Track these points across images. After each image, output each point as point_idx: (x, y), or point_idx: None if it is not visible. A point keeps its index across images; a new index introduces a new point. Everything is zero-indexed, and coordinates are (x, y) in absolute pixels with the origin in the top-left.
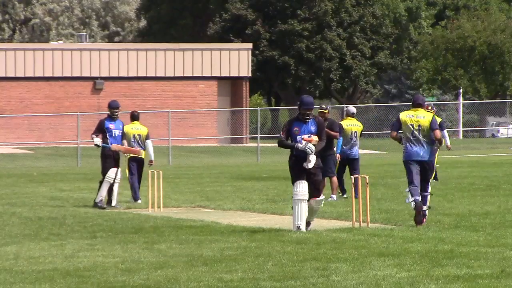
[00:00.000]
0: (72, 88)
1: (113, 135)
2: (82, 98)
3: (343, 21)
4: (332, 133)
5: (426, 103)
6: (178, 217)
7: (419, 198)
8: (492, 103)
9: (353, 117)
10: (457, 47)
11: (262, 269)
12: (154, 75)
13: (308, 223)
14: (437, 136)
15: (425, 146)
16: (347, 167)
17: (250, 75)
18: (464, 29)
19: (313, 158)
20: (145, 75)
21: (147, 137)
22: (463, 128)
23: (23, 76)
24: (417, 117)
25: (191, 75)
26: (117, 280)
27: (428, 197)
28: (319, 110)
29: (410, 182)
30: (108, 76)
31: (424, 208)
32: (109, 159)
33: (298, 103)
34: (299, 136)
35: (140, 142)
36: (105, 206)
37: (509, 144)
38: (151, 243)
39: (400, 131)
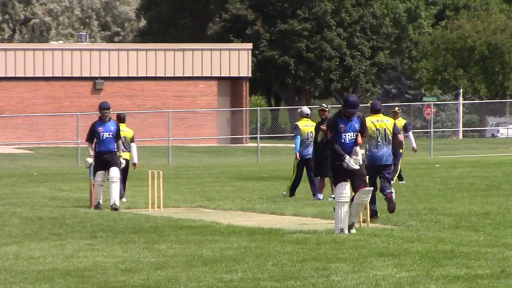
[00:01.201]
0: (72, 88)
1: (101, 137)
2: (82, 98)
3: (343, 21)
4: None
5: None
6: (178, 217)
7: (376, 207)
8: (492, 103)
9: (308, 117)
10: (457, 47)
11: (262, 269)
12: (154, 75)
13: (351, 226)
14: (399, 140)
15: (387, 150)
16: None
17: (250, 75)
18: (464, 29)
19: (359, 155)
20: (145, 75)
21: (132, 140)
22: (463, 128)
23: (23, 76)
24: (381, 122)
25: (191, 75)
26: (117, 280)
27: (393, 194)
28: (319, 109)
29: (371, 185)
30: (108, 76)
31: (375, 214)
32: (97, 161)
33: (342, 102)
34: (344, 134)
35: (125, 145)
36: (102, 205)
37: (509, 144)
38: (151, 243)
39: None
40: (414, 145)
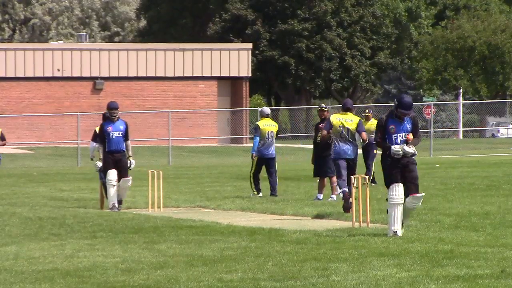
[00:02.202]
0: (72, 88)
1: (111, 137)
2: (82, 98)
3: (343, 21)
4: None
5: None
6: (178, 217)
7: (346, 189)
8: (492, 103)
9: (268, 117)
10: (457, 47)
11: (262, 269)
12: (154, 75)
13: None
14: (363, 137)
15: (352, 146)
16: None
17: (250, 75)
18: (464, 29)
19: (408, 149)
20: (145, 75)
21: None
22: (463, 128)
23: (23, 76)
24: (346, 120)
25: (191, 75)
26: (117, 280)
27: (354, 190)
28: (318, 109)
29: (339, 176)
30: (108, 76)
31: (350, 201)
32: (107, 160)
33: (396, 102)
34: (395, 135)
35: None
36: (118, 208)
37: (509, 144)
38: (151, 243)
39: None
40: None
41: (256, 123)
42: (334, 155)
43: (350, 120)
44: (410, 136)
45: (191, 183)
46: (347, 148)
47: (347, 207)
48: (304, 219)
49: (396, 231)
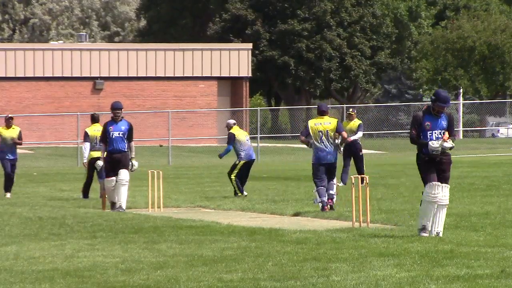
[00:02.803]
0: (72, 88)
1: (111, 136)
2: (82, 98)
3: (343, 21)
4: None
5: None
6: (178, 217)
7: (325, 199)
8: (492, 103)
9: (235, 124)
10: (457, 47)
11: (262, 269)
12: (154, 75)
13: (423, 228)
14: (344, 136)
15: (332, 150)
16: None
17: (250, 75)
18: (464, 29)
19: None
20: (145, 75)
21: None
22: (463, 128)
23: (23, 76)
24: (324, 124)
25: (191, 75)
26: (117, 280)
27: (335, 198)
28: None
29: (318, 184)
30: (108, 76)
31: (331, 199)
32: (107, 161)
33: (432, 97)
34: (430, 132)
35: (98, 144)
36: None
37: (509, 144)
38: (151, 243)
39: (308, 136)
40: (351, 138)
41: (231, 132)
42: (314, 160)
43: (327, 123)
44: (446, 135)
45: (191, 183)
46: (327, 152)
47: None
48: (304, 219)
49: (438, 232)
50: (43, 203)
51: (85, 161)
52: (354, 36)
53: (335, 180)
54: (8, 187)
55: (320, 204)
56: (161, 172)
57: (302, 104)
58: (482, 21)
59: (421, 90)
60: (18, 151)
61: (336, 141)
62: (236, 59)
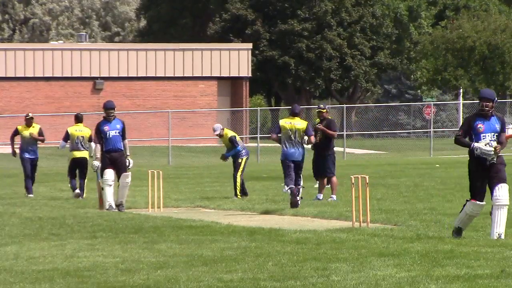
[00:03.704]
0: (72, 88)
1: (108, 136)
2: (82, 98)
3: (343, 21)
4: (330, 132)
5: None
6: (178, 217)
7: (293, 186)
8: None
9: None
10: (457, 47)
11: (262, 269)
12: (154, 75)
13: (459, 230)
14: (311, 140)
15: (299, 149)
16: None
17: (250, 75)
18: (464, 29)
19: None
20: (145, 75)
21: (89, 139)
22: None
23: (23, 76)
24: (295, 124)
25: (191, 75)
26: (117, 280)
27: (301, 189)
28: (317, 110)
29: (286, 176)
30: (108, 76)
31: (298, 198)
32: (104, 160)
33: (478, 97)
34: (483, 134)
35: (83, 144)
36: (115, 208)
37: (509, 144)
38: (151, 243)
39: (279, 135)
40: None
41: (234, 134)
42: (282, 157)
43: (298, 123)
44: (505, 137)
45: (191, 183)
46: (295, 150)
47: (294, 203)
48: (304, 219)
49: (500, 234)
50: (43, 203)
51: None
52: (354, 36)
53: (284, 189)
54: (29, 188)
55: (289, 191)
56: (161, 172)
57: (302, 104)
58: (482, 21)
59: (419, 91)
60: (17, 151)
61: (305, 146)
62: (236, 59)
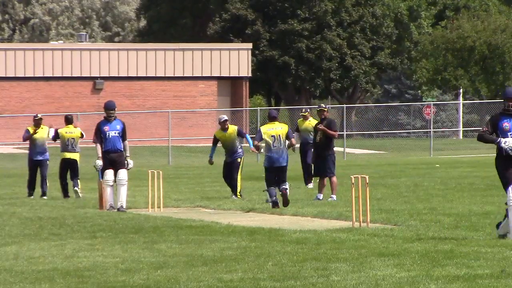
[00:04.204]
0: (72, 88)
1: (108, 136)
2: (82, 98)
3: (343, 21)
4: (331, 132)
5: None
6: (178, 217)
7: (275, 199)
8: (492, 103)
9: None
10: (457, 47)
11: (262, 269)
12: (154, 75)
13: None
14: (293, 143)
15: (284, 154)
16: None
17: (250, 75)
18: (464, 29)
19: None
20: (145, 75)
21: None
22: (463, 128)
23: (23, 76)
24: (275, 129)
25: (191, 75)
26: (117, 280)
27: (288, 190)
28: (318, 109)
29: (269, 184)
30: (108, 76)
31: (286, 189)
32: (104, 160)
33: (503, 97)
34: (511, 133)
35: (74, 145)
36: (115, 208)
37: None
38: (151, 243)
39: (262, 141)
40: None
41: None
42: (267, 163)
43: (279, 128)
44: None
45: (191, 183)
46: (279, 155)
47: (274, 204)
48: (304, 219)
49: None
50: (43, 203)
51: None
52: (354, 36)
53: (269, 198)
54: (32, 188)
55: (271, 204)
56: (161, 172)
57: (302, 104)
58: (482, 21)
59: (419, 91)
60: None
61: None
62: (236, 59)
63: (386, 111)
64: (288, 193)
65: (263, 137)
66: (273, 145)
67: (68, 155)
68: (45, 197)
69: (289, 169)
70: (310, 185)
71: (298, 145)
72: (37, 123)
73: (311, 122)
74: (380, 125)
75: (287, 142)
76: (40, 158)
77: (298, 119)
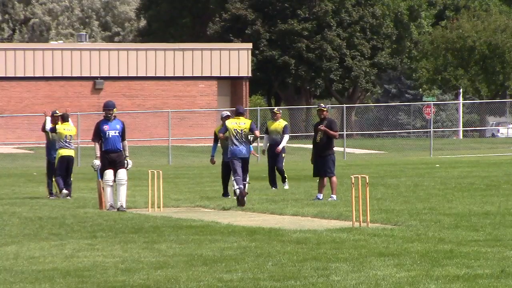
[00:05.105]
0: (72, 88)
1: (107, 136)
2: (82, 98)
3: (343, 21)
4: (332, 132)
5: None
6: (178, 217)
7: (242, 186)
8: (492, 103)
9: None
10: (457, 47)
11: (262, 269)
12: (154, 75)
13: None
14: (256, 134)
15: (246, 146)
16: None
17: (250, 75)
18: (464, 29)
19: None
20: (145, 75)
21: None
22: (463, 128)
23: (23, 76)
24: (239, 123)
25: (191, 75)
26: (117, 280)
27: (247, 185)
28: (318, 109)
29: (235, 173)
30: (108, 76)
31: (245, 199)
32: (104, 160)
33: None
34: None
35: (70, 142)
36: (115, 208)
37: (509, 144)
38: (151, 243)
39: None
40: (279, 147)
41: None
42: (230, 155)
43: (243, 123)
44: None
45: (191, 183)
46: (241, 148)
47: (242, 202)
48: (304, 219)
49: None
50: (43, 203)
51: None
52: (354, 36)
53: (234, 186)
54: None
55: (238, 191)
56: (161, 172)
57: (302, 104)
58: (482, 21)
59: (420, 90)
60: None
61: (253, 143)
62: (236, 59)
63: (386, 111)
64: (245, 193)
65: (228, 130)
66: (235, 138)
67: (65, 152)
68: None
69: (289, 169)
70: (286, 186)
71: (266, 148)
72: (58, 119)
73: (281, 123)
74: (380, 125)
75: (251, 137)
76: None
77: (268, 120)
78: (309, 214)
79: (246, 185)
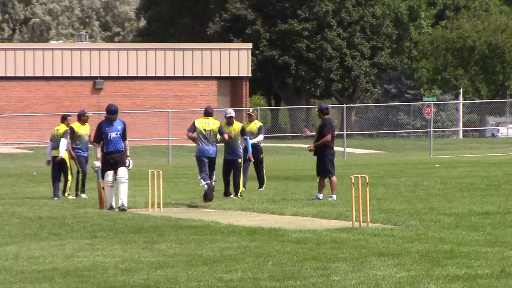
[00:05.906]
0: (72, 88)
1: (109, 137)
2: (82, 98)
3: (343, 21)
4: (321, 141)
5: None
6: (178, 217)
7: (209, 182)
8: (492, 103)
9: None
10: (457, 47)
11: (262, 269)
12: (154, 75)
13: None
14: (225, 137)
15: (213, 146)
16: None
17: (250, 75)
18: (464, 29)
19: None
20: (145, 75)
21: (62, 135)
22: (463, 128)
23: (23, 76)
24: (208, 124)
25: (191, 75)
26: (117, 280)
27: (214, 183)
28: (318, 109)
29: (202, 172)
30: (108, 76)
31: (213, 193)
32: (105, 161)
33: None
34: None
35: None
36: (115, 208)
37: (509, 144)
38: (151, 243)
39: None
40: (249, 149)
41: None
42: (198, 153)
43: (212, 123)
44: None
45: (191, 183)
46: (209, 148)
47: (209, 198)
48: (304, 219)
49: None
50: (43, 203)
51: (49, 159)
52: (354, 36)
53: (201, 183)
54: (82, 186)
55: (206, 186)
56: (161, 172)
57: (302, 104)
58: (482, 21)
59: (421, 89)
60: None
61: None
62: (236, 59)
63: (386, 111)
64: (213, 189)
65: (196, 129)
66: (204, 137)
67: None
68: (83, 195)
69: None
70: (262, 188)
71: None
72: (84, 119)
73: (256, 125)
74: (380, 125)
75: (219, 137)
76: (86, 154)
77: (244, 121)
78: (309, 214)
79: (213, 183)
